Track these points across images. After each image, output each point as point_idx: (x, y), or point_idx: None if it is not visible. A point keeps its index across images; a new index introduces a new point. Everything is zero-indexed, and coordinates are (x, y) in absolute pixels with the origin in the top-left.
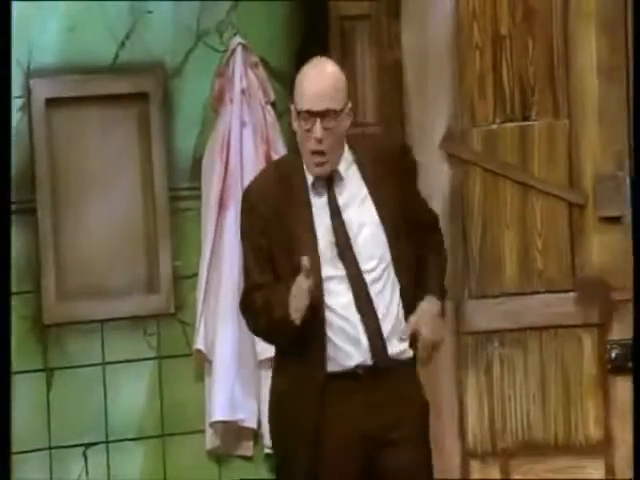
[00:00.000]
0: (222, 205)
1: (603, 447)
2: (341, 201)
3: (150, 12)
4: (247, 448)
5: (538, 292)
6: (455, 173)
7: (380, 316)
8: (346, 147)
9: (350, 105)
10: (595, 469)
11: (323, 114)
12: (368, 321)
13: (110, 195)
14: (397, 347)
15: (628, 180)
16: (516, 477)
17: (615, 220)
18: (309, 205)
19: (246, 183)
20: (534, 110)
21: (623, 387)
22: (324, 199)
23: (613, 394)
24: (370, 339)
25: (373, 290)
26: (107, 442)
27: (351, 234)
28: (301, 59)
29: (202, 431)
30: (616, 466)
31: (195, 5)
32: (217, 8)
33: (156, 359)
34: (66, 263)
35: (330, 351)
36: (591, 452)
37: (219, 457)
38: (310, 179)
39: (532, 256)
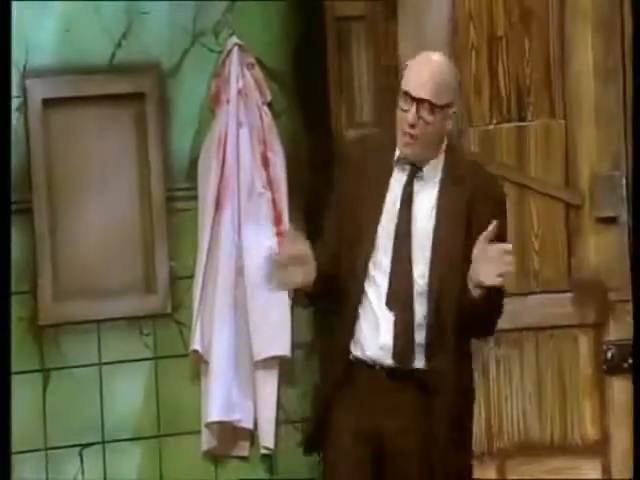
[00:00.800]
0: (218, 205)
1: (599, 447)
2: (417, 193)
3: (146, 13)
4: (243, 448)
5: (534, 292)
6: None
7: (416, 322)
8: (442, 159)
9: (454, 110)
10: (591, 469)
11: (420, 102)
12: (398, 319)
13: (107, 195)
14: (422, 362)
15: (624, 180)
16: (512, 477)
17: (611, 220)
18: (388, 178)
19: (242, 183)
20: (530, 110)
21: (619, 387)
22: (403, 181)
23: (609, 394)
24: (396, 339)
25: (416, 291)
26: (103, 442)
27: (413, 229)
28: (297, 60)
29: (198, 431)
30: (612, 466)
31: (191, 5)
32: (213, 8)
33: (152, 359)
34: (62, 263)
35: (358, 335)
36: (587, 452)
37: (215, 457)
38: (397, 154)
39: (529, 256)
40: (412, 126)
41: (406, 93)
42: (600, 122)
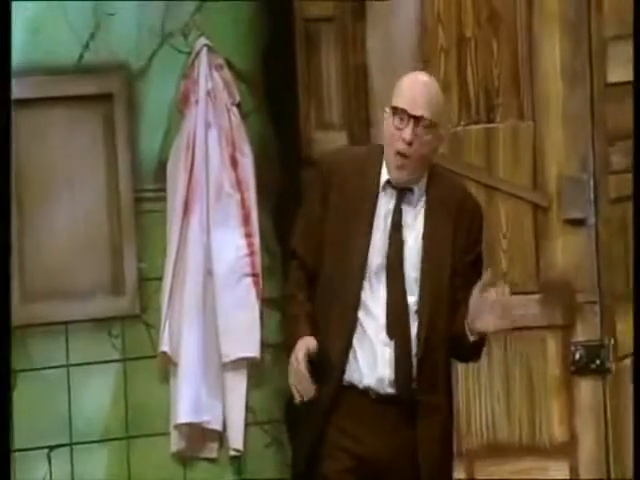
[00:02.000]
0: (187, 206)
1: (567, 448)
2: (404, 219)
3: (112, 14)
4: (212, 450)
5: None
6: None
7: (413, 349)
8: (426, 179)
9: (444, 132)
10: (559, 470)
11: (417, 119)
12: (398, 349)
13: (74, 196)
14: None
15: (592, 182)
16: (481, 478)
17: (579, 222)
18: (374, 203)
19: (211, 185)
20: (499, 112)
21: (587, 388)
22: (390, 206)
23: (577, 395)
24: (397, 368)
25: (412, 318)
26: (71, 444)
27: (404, 256)
28: (266, 61)
29: (167, 433)
30: (580, 467)
31: (160, 6)
32: (182, 9)
33: (121, 361)
34: (30, 265)
35: (353, 363)
36: (555, 453)
37: (184, 459)
38: (384, 178)
39: (497, 258)
40: (409, 144)
41: (402, 110)
42: (567, 124)
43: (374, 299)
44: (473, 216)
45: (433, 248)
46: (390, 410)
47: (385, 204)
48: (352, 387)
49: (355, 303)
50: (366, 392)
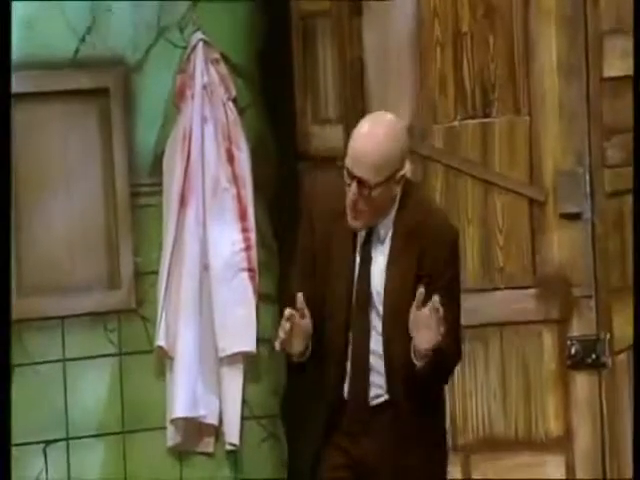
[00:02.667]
0: (183, 201)
1: (563, 442)
2: (374, 253)
3: (109, 10)
4: (208, 445)
5: (499, 288)
6: (416, 170)
7: (372, 366)
8: (394, 213)
9: (402, 173)
10: (555, 465)
11: (360, 179)
12: (357, 376)
13: (71, 191)
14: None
15: (587, 176)
16: (477, 473)
17: (575, 216)
18: (354, 241)
19: (207, 179)
20: (495, 107)
21: (583, 383)
22: (362, 241)
23: (573, 390)
24: (352, 391)
25: (373, 354)
26: (67, 439)
27: (371, 291)
28: (263, 55)
29: (163, 428)
30: (576, 461)
31: (156, 1)
32: (178, 4)
33: (117, 355)
34: (26, 259)
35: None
36: (551, 447)
37: (180, 454)
38: None
39: (493, 252)
40: (354, 202)
41: (347, 169)
42: (564, 118)
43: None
44: (442, 241)
45: (395, 280)
46: (363, 435)
47: (360, 238)
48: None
49: (343, 332)
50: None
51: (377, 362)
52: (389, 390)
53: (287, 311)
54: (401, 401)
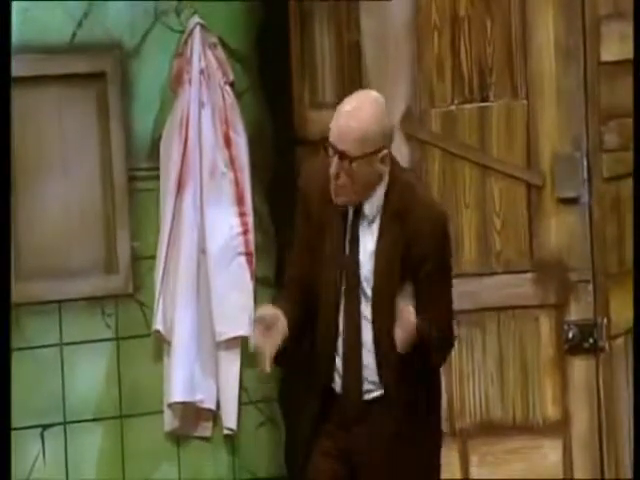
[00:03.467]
0: (180, 186)
1: (560, 426)
2: (362, 233)
3: None
4: (206, 429)
5: (496, 273)
6: (414, 154)
7: (364, 361)
8: (382, 195)
9: (385, 152)
10: (553, 448)
11: (341, 153)
12: (349, 364)
13: (68, 175)
14: (375, 393)
15: (585, 161)
16: (474, 457)
17: (572, 201)
18: (345, 222)
19: (205, 164)
20: (492, 91)
21: (580, 367)
22: (349, 219)
23: (570, 374)
24: (345, 381)
25: (364, 336)
26: (65, 423)
27: (360, 273)
28: (260, 39)
29: (161, 412)
30: (573, 445)
31: None
32: None
33: (114, 340)
34: (24, 244)
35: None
36: (549, 432)
37: (178, 438)
38: None
39: (490, 237)
40: (335, 176)
41: (329, 143)
42: (561, 103)
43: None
44: (431, 225)
45: (383, 262)
46: (372, 411)
47: (350, 218)
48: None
49: (336, 316)
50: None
51: (369, 356)
52: (382, 385)
53: (257, 313)
54: (395, 396)
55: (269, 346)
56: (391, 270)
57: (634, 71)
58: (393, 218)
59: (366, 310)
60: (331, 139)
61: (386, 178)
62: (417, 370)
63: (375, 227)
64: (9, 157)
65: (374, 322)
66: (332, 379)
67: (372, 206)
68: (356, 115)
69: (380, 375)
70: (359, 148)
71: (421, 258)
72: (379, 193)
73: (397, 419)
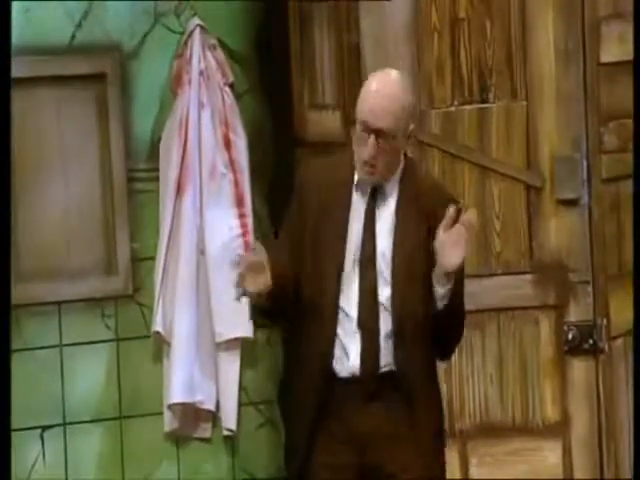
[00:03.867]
0: (180, 187)
1: (560, 428)
2: (378, 213)
3: None
4: (205, 430)
5: (496, 274)
6: (413, 155)
7: (382, 341)
8: (400, 173)
9: (413, 126)
10: (552, 450)
11: (378, 131)
12: (366, 339)
13: (67, 176)
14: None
15: (585, 162)
16: (474, 458)
17: (572, 202)
18: (348, 203)
19: (204, 165)
20: (492, 92)
21: (580, 368)
22: (363, 203)
23: (570, 375)
24: (363, 357)
25: (382, 312)
26: (64, 424)
27: (377, 249)
28: (259, 41)
29: (160, 413)
30: (573, 446)
31: None
32: None
33: (114, 341)
34: (23, 245)
35: (337, 351)
36: (548, 433)
37: (177, 439)
38: (356, 177)
39: (490, 238)
40: (372, 157)
41: (363, 122)
42: (561, 104)
43: (348, 294)
44: (449, 200)
45: (404, 240)
46: (375, 395)
47: (359, 201)
48: (339, 379)
49: (334, 297)
50: (348, 381)
51: (385, 326)
52: (396, 359)
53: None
54: (407, 371)
55: (250, 281)
56: (412, 245)
57: (634, 71)
58: (410, 196)
59: (383, 288)
60: (365, 119)
61: (403, 158)
62: (441, 326)
63: (392, 203)
64: (9, 159)
65: (394, 294)
66: (331, 362)
67: (391, 185)
68: (387, 93)
69: (395, 350)
70: (395, 124)
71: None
72: (398, 171)
73: (407, 395)
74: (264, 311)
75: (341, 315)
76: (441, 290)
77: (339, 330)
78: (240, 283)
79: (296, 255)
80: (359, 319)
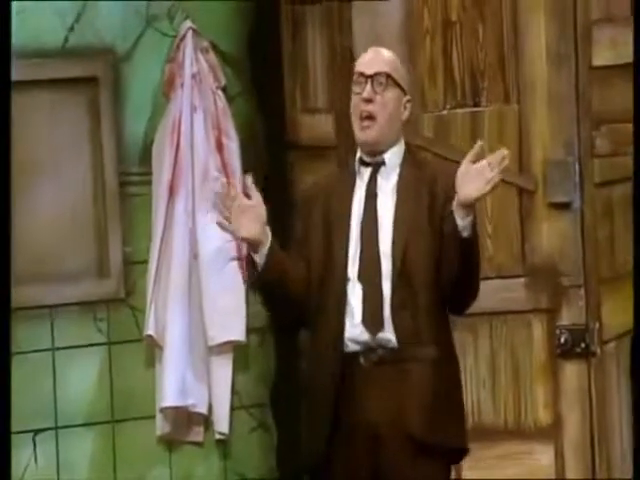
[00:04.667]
0: (172, 190)
1: (552, 431)
2: (380, 191)
3: None
4: (198, 434)
5: (488, 278)
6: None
7: (384, 296)
8: (403, 148)
9: (409, 97)
10: (544, 453)
11: (374, 78)
12: (367, 293)
13: (60, 180)
14: (393, 335)
15: (577, 166)
16: (466, 462)
17: (565, 206)
18: (353, 185)
19: (197, 168)
20: (484, 96)
21: (572, 372)
22: (365, 181)
23: (562, 379)
24: (364, 309)
25: (384, 269)
26: (56, 428)
27: (378, 213)
28: (252, 44)
29: (152, 417)
30: (565, 450)
31: None
32: None
33: (106, 345)
34: (15, 248)
35: (344, 329)
36: (540, 437)
37: (170, 443)
38: (358, 155)
39: (482, 242)
40: (368, 101)
41: (359, 73)
42: (553, 107)
43: (353, 266)
44: (452, 176)
45: (406, 199)
46: (382, 371)
47: (361, 182)
48: (349, 356)
49: (342, 274)
50: (357, 356)
51: (387, 288)
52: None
53: (232, 191)
54: (408, 348)
55: (246, 225)
56: (415, 204)
57: (634, 72)
58: (412, 174)
59: (385, 266)
60: (361, 68)
61: (402, 141)
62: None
63: (395, 173)
64: (9, 161)
65: (394, 260)
66: (343, 339)
67: (394, 155)
68: (382, 51)
69: (395, 325)
70: (391, 69)
71: (445, 201)
72: (401, 144)
73: (409, 380)
74: (266, 285)
75: (350, 290)
76: (461, 222)
77: (347, 305)
78: (230, 228)
79: (307, 258)
80: (360, 274)
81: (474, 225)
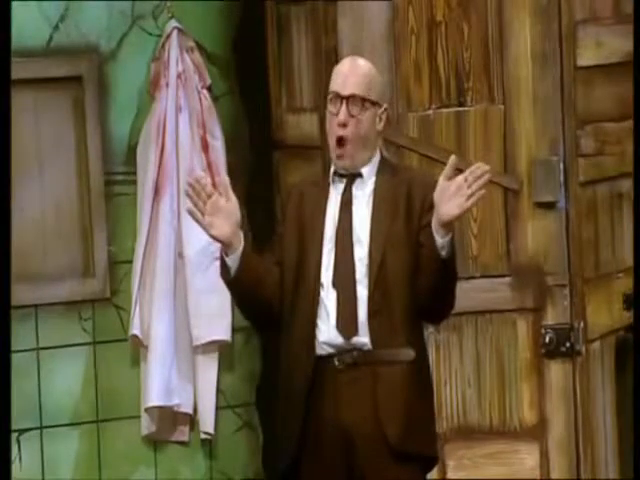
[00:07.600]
0: (158, 190)
1: (537, 430)
2: (355, 200)
3: None
4: (183, 433)
5: (473, 277)
6: (391, 158)
7: (359, 302)
8: (377, 163)
9: (385, 108)
10: (530, 452)
11: (349, 99)
12: (342, 298)
13: (44, 179)
14: (367, 339)
15: (562, 165)
16: (451, 461)
17: (549, 205)
18: (327, 196)
19: (182, 168)
20: (469, 96)
21: (557, 371)
22: (340, 190)
23: (547, 378)
24: (339, 313)
25: (359, 275)
26: (41, 428)
27: (353, 222)
28: (237, 43)
29: (138, 417)
30: (550, 449)
31: None
32: None
33: (91, 344)
34: None
35: (317, 332)
36: (526, 435)
37: (155, 442)
38: (332, 169)
39: (467, 241)
40: (343, 125)
41: (334, 94)
42: (538, 107)
43: (327, 271)
44: (428, 186)
45: (382, 207)
46: (356, 373)
47: (337, 190)
48: (322, 360)
49: (315, 280)
50: (331, 358)
51: (362, 291)
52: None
53: (208, 188)
54: (382, 350)
55: (218, 225)
56: (391, 211)
57: (634, 71)
58: (388, 184)
59: (360, 268)
60: (335, 88)
61: (378, 152)
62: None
63: (370, 185)
64: (9, 159)
65: (369, 266)
66: (314, 344)
67: (368, 171)
68: (357, 65)
69: (370, 325)
70: (366, 89)
71: (423, 211)
72: (375, 160)
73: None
74: (237, 289)
75: (325, 295)
76: (440, 240)
77: (323, 310)
78: (202, 222)
79: (281, 262)
80: (334, 280)
81: (452, 243)
